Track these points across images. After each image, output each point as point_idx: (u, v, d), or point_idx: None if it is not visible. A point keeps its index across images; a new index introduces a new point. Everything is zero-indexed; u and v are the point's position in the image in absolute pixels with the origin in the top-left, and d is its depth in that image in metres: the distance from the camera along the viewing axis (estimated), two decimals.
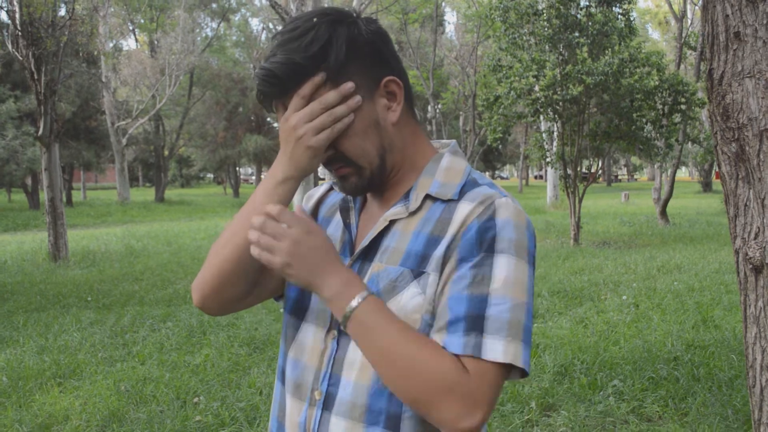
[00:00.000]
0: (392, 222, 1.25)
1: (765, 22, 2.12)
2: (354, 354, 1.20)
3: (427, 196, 1.24)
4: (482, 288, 1.12)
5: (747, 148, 2.17)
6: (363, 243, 1.26)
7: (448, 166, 1.27)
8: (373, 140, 1.23)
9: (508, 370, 1.13)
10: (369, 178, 1.25)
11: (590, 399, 4.60)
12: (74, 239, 16.04)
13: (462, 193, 1.22)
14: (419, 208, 1.24)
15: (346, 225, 1.33)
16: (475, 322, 1.11)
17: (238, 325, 6.84)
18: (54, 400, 4.83)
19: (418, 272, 1.18)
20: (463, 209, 1.19)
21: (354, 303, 1.13)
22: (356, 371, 1.20)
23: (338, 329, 1.23)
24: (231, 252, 1.25)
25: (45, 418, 4.48)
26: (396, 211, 1.25)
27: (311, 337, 1.28)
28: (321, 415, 1.22)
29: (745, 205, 2.23)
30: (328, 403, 1.22)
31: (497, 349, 1.10)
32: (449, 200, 1.22)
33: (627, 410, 4.40)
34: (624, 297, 7.87)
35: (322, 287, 1.16)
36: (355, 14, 1.23)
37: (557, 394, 4.69)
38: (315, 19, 1.18)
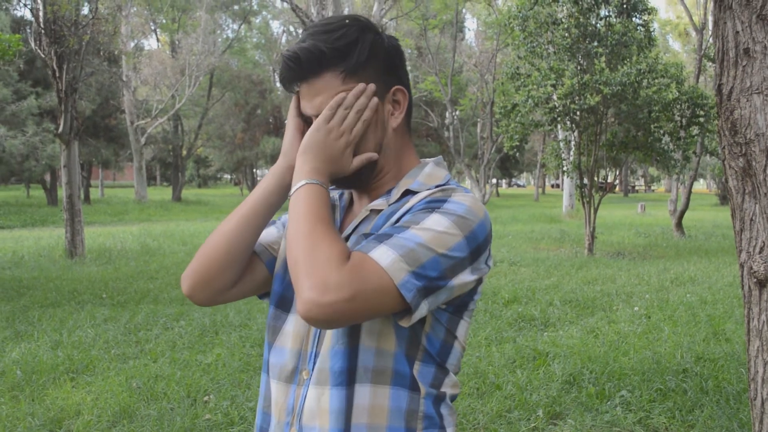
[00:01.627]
0: (373, 212, 1.35)
1: None
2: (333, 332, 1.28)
3: (407, 191, 1.35)
4: (406, 224, 1.20)
5: (754, 163, 2.19)
6: (345, 231, 1.37)
7: (430, 173, 1.39)
8: (375, 137, 1.36)
9: (391, 293, 1.14)
10: (359, 170, 1.36)
11: (597, 408, 4.61)
12: (91, 236, 16.20)
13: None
14: (397, 201, 1.34)
15: None
16: (381, 236, 1.19)
17: (250, 325, 6.89)
18: (66, 394, 4.90)
19: (368, 236, 1.28)
20: (425, 192, 1.31)
21: (296, 185, 1.26)
22: (326, 344, 1.28)
23: None
24: (220, 240, 1.38)
25: (57, 412, 4.55)
26: (377, 202, 1.36)
27: (296, 324, 1.36)
28: (307, 392, 1.30)
29: (751, 219, 2.25)
30: (313, 380, 1.30)
31: (382, 252, 1.15)
32: None
33: (634, 420, 4.40)
34: (636, 308, 7.85)
35: (297, 164, 1.30)
36: (381, 29, 1.37)
37: (564, 403, 4.70)
38: (347, 21, 1.32)
